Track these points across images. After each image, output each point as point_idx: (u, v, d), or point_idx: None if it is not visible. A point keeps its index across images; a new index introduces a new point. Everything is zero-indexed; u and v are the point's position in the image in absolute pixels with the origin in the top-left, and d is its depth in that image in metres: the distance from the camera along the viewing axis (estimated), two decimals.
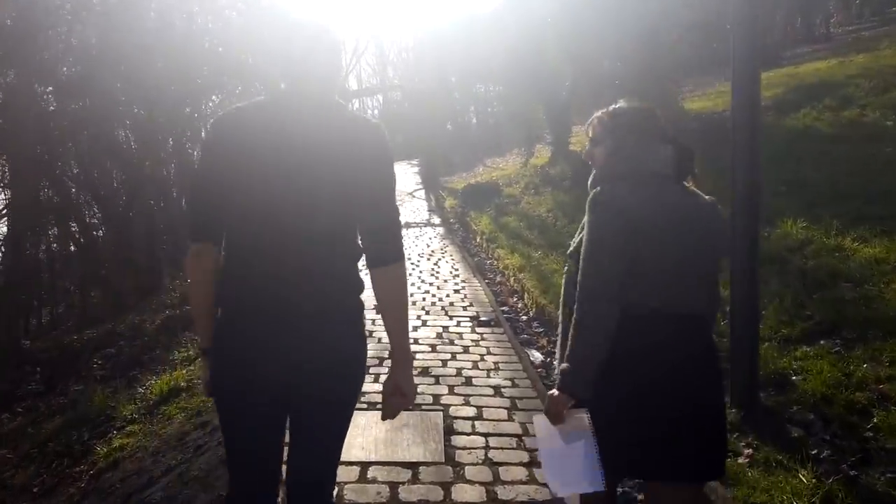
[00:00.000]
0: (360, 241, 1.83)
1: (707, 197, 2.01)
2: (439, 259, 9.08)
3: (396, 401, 1.85)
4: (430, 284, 7.66)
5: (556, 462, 1.93)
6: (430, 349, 5.25)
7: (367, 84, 39.17)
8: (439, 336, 5.59)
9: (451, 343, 5.41)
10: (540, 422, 1.98)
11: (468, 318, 6.06)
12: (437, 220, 12.64)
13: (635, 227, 1.82)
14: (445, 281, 7.86)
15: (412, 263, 8.65)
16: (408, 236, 10.39)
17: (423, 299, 6.90)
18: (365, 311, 1.90)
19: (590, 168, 2.15)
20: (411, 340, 2.36)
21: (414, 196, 17.48)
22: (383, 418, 1.92)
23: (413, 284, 7.48)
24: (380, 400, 1.94)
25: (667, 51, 13.16)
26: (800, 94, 10.61)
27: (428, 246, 9.73)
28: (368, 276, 1.83)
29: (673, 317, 1.86)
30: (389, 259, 1.78)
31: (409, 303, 5.47)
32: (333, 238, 1.75)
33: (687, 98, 13.34)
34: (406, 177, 23.25)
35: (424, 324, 5.97)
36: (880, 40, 14.97)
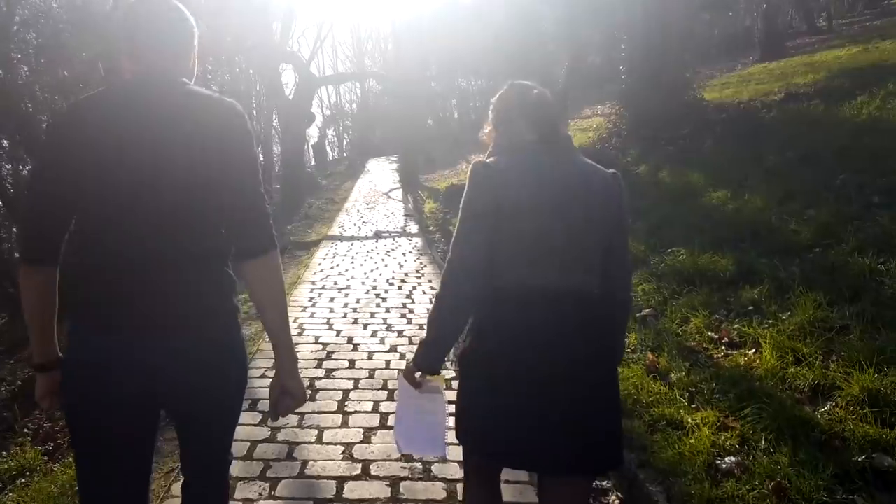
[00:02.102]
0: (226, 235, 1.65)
1: (609, 170, 1.88)
2: (414, 288, 6.57)
3: (285, 402, 1.72)
4: (400, 334, 5.03)
5: (406, 421, 1.94)
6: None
7: (342, 66, 37.27)
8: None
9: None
10: (401, 380, 1.92)
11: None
12: (413, 228, 10.78)
13: (502, 199, 1.75)
14: (421, 327, 5.16)
15: (378, 296, 6.23)
16: (377, 250, 8.58)
17: (389, 366, 4.34)
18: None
19: None
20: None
21: (390, 197, 15.72)
22: (272, 420, 1.82)
23: (375, 334, 5.02)
24: None
25: (679, 33, 11.60)
26: (848, 81, 9.17)
27: (401, 267, 7.53)
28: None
29: (541, 293, 1.75)
30: (258, 250, 1.62)
31: (370, 375, 4.23)
32: (196, 235, 1.59)
33: (701, 87, 11.70)
34: (383, 174, 21.67)
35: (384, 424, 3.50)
36: (886, 29, 14.40)
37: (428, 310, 5.36)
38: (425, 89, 22.77)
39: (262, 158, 24.54)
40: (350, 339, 4.83)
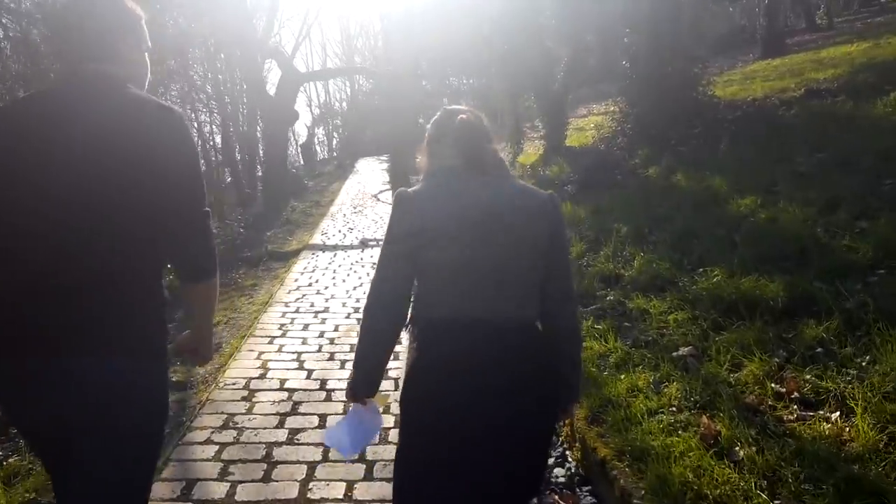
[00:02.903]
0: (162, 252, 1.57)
1: (545, 192, 1.85)
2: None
3: (191, 357, 1.80)
4: (384, 375, 4.20)
5: (345, 422, 1.91)
6: None
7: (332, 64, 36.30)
8: None
9: None
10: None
11: None
12: None
13: (425, 227, 1.70)
14: None
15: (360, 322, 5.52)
16: (362, 262, 7.74)
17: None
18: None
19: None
20: None
21: (379, 199, 14.88)
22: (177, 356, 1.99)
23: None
24: None
25: (688, 25, 10.83)
26: (873, 76, 8.47)
27: None
28: None
29: (470, 323, 1.67)
30: (202, 274, 1.57)
31: None
32: (117, 247, 1.47)
33: (711, 82, 10.94)
34: (373, 175, 20.85)
35: None
36: (892, 25, 14.02)
37: None
38: (416, 87, 22.11)
39: (238, 158, 23.64)
40: (323, 384, 3.99)
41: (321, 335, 4.96)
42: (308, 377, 4.10)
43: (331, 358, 4.45)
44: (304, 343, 4.76)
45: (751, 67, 15.07)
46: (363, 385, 1.80)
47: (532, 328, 1.75)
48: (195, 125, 26.31)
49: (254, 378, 4.04)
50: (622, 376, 3.54)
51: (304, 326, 5.17)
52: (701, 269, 4.78)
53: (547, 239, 1.75)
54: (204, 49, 18.36)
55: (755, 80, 12.26)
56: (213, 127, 27.07)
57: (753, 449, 2.63)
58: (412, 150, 19.48)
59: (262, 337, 4.87)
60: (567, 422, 3.33)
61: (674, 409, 3.09)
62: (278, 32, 30.48)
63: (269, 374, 4.15)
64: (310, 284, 6.71)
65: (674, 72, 10.32)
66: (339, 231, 10.69)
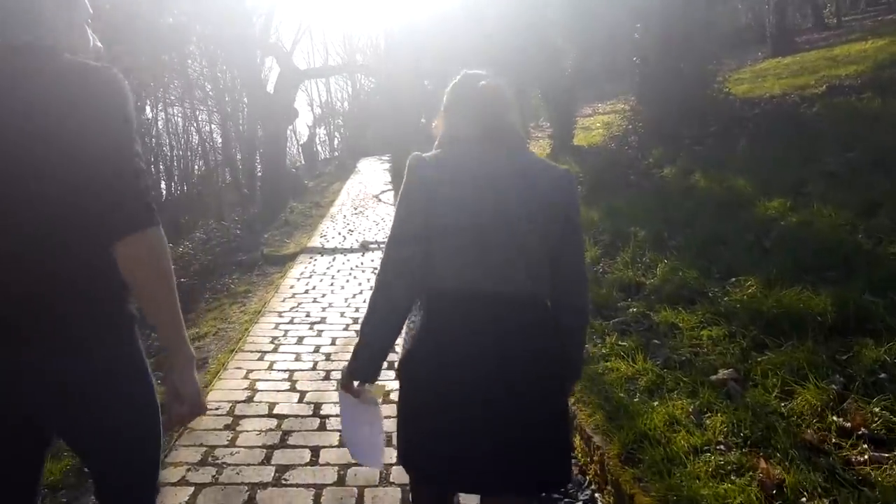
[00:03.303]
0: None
1: (561, 167, 1.81)
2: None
3: (177, 409, 1.46)
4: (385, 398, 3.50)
5: (349, 430, 1.86)
6: None
7: (333, 63, 35.78)
8: None
9: None
10: (340, 391, 1.79)
11: None
12: None
13: (437, 195, 1.65)
14: None
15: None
16: (362, 267, 7.33)
17: None
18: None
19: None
20: None
21: (380, 200, 14.46)
22: (165, 428, 1.58)
23: None
24: None
25: (703, 21, 10.42)
26: None
27: None
28: None
29: (478, 295, 1.62)
30: (129, 225, 1.36)
31: (340, 478, 2.89)
32: (63, 227, 1.36)
33: (726, 79, 10.53)
34: (374, 175, 20.45)
35: None
36: None
37: None
38: (418, 86, 21.75)
39: (239, 157, 23.26)
40: (317, 409, 3.56)
41: (316, 350, 4.54)
42: (300, 400, 3.68)
43: (326, 377, 4.02)
44: (297, 359, 4.34)
45: (761, 66, 14.69)
46: (370, 364, 1.68)
47: (541, 304, 1.71)
48: (194, 123, 25.99)
49: (239, 401, 3.62)
50: (656, 403, 3.12)
51: (298, 340, 4.75)
52: (733, 279, 4.37)
53: (562, 215, 1.70)
54: (203, 46, 17.99)
55: (767, 77, 11.86)
56: (213, 126, 26.74)
57: (826, 502, 2.21)
58: (414, 149, 19.13)
59: (251, 352, 4.45)
60: (596, 459, 2.92)
61: (721, 446, 2.67)
62: (277, 29, 30.18)
63: (257, 397, 3.72)
64: (306, 291, 6.29)
65: (687, 68, 9.92)
66: (339, 233, 10.28)
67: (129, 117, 1.42)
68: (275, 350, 4.53)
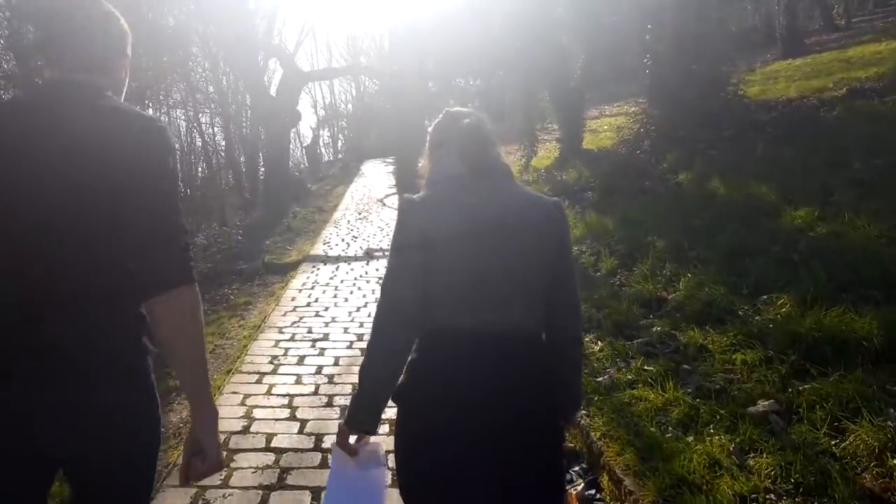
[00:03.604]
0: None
1: (550, 198, 1.79)
2: None
3: (198, 464, 1.46)
4: (393, 426, 3.66)
5: (342, 491, 1.67)
6: None
7: (337, 65, 35.54)
8: None
9: None
10: (336, 449, 1.68)
11: None
12: None
13: (431, 236, 1.63)
14: None
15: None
16: (366, 277, 7.07)
17: None
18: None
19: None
20: None
21: (385, 204, 14.17)
22: (181, 482, 1.55)
23: None
24: None
25: (715, 20, 10.15)
26: None
27: None
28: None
29: (477, 333, 1.60)
30: (168, 282, 1.38)
31: None
32: (91, 265, 1.38)
33: (741, 81, 10.25)
34: (378, 178, 20.19)
35: None
36: None
37: None
38: (421, 88, 21.52)
39: (242, 160, 23.01)
40: (318, 442, 3.28)
41: (318, 371, 4.27)
42: (301, 430, 3.40)
43: (328, 403, 3.74)
44: (297, 382, 4.06)
45: (771, 67, 14.40)
46: (370, 412, 1.63)
47: (537, 338, 1.70)
48: (197, 126, 25.78)
49: (235, 432, 3.34)
50: (691, 440, 2.83)
51: (299, 359, 4.48)
52: (763, 296, 4.08)
53: (555, 247, 1.71)
54: (205, 47, 17.76)
55: (778, 80, 11.58)
56: (215, 129, 26.55)
57: None
58: (418, 152, 18.94)
59: (249, 373, 4.18)
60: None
61: (771, 495, 2.38)
62: (280, 30, 30.01)
63: (254, 427, 3.44)
64: (308, 304, 6.02)
65: (700, 69, 9.64)
66: (343, 240, 10.01)
67: (169, 172, 1.43)
68: (274, 371, 4.25)
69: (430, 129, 1.90)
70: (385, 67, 19.66)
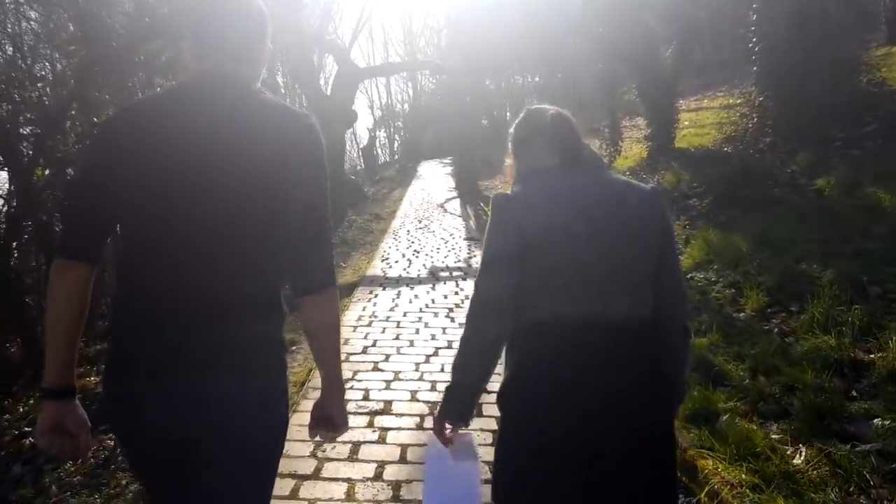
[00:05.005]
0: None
1: (647, 184, 1.76)
2: None
3: (323, 431, 1.57)
4: None
5: (437, 480, 1.71)
6: None
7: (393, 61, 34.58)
8: None
9: None
10: (431, 438, 1.74)
11: None
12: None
13: (528, 230, 1.59)
14: None
15: None
16: (434, 306, 5.89)
17: None
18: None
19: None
20: None
21: (446, 210, 12.98)
22: (316, 439, 1.87)
23: None
24: None
25: None
26: None
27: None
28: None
29: (583, 325, 1.56)
30: (319, 284, 1.45)
31: None
32: (252, 261, 1.41)
33: (877, 65, 8.62)
34: (436, 180, 19.08)
35: None
36: None
37: None
38: (479, 85, 20.31)
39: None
40: None
41: (378, 473, 3.03)
42: None
43: None
44: (348, 498, 2.84)
45: (877, 53, 12.58)
46: (464, 404, 1.64)
47: (645, 328, 1.60)
48: None
49: None
50: None
51: (351, 450, 3.23)
52: None
53: (659, 233, 1.65)
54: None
55: (893, 68, 9.84)
56: None
57: None
58: (478, 153, 17.73)
59: (284, 477, 2.96)
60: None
61: None
62: (336, 24, 29.32)
63: None
64: (364, 350, 4.82)
65: (824, 53, 8.07)
66: (403, 255, 8.84)
67: (326, 171, 1.46)
68: (315, 475, 3.02)
69: (511, 129, 1.85)
70: (443, 62, 18.42)
